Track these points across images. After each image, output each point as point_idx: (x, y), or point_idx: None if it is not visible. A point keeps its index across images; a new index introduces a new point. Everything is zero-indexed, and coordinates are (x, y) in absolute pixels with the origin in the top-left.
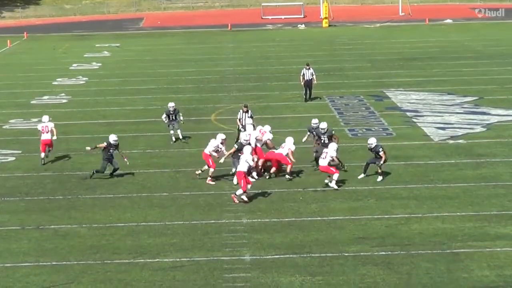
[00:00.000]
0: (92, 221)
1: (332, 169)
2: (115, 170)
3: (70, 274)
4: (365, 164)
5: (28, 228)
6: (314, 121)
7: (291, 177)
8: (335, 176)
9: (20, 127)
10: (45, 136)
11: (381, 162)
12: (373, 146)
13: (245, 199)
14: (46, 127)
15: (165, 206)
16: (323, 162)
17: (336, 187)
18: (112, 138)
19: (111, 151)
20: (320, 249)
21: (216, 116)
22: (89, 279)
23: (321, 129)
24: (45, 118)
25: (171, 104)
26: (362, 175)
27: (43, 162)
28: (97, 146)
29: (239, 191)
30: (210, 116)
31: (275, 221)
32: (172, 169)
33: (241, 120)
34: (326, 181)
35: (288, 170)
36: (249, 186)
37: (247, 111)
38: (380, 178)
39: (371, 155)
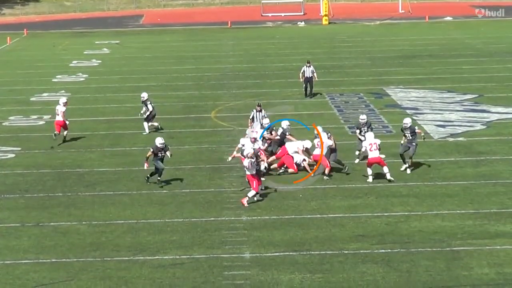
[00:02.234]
0: (92, 218)
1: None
2: (156, 173)
3: (70, 271)
4: (400, 155)
5: (27, 225)
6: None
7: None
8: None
9: (19, 124)
10: (57, 118)
11: (417, 142)
12: (409, 125)
13: (258, 199)
14: (57, 110)
15: (165, 203)
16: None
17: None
18: (158, 141)
19: (159, 155)
20: (320, 246)
21: (216, 114)
22: (88, 276)
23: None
24: (61, 100)
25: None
26: (404, 166)
27: (54, 138)
28: (147, 157)
29: (251, 192)
30: (210, 113)
31: (274, 219)
32: (172, 166)
33: (253, 119)
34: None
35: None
36: (260, 186)
37: (260, 110)
38: (409, 170)
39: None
